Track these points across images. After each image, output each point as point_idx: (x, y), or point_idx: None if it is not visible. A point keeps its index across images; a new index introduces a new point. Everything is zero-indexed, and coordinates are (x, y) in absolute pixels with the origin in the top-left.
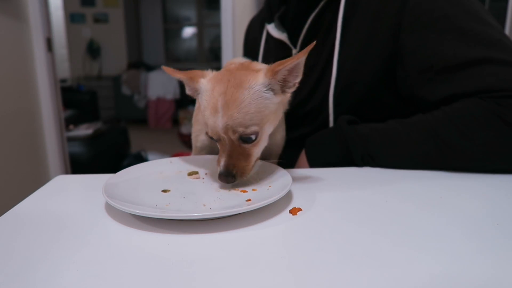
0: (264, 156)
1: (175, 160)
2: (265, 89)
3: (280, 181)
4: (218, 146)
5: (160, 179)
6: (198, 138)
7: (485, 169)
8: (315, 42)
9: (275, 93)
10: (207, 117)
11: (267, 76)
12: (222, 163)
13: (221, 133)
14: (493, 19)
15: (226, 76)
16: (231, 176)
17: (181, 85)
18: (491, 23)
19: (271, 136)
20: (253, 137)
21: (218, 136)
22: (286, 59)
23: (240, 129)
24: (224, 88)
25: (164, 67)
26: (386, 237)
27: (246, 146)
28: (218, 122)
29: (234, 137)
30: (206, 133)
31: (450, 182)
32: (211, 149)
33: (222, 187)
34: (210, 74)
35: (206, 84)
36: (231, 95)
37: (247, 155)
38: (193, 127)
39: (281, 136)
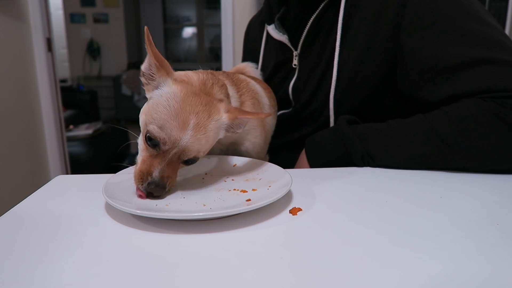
0: None
1: None
2: (223, 127)
3: (280, 181)
4: (150, 151)
5: None
6: None
7: (485, 169)
8: (271, 114)
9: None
10: (171, 127)
11: (229, 118)
12: (157, 173)
13: (177, 148)
14: (493, 19)
15: (197, 95)
16: (163, 188)
17: None
18: (491, 23)
19: (236, 143)
20: (194, 160)
21: (168, 146)
22: (247, 112)
23: (193, 153)
24: (197, 109)
25: (147, 29)
26: (386, 237)
27: (181, 164)
28: (183, 139)
29: (183, 156)
30: (147, 135)
31: (450, 182)
32: None
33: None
34: (175, 75)
35: (174, 88)
36: (203, 120)
37: (175, 170)
38: None
39: (251, 144)
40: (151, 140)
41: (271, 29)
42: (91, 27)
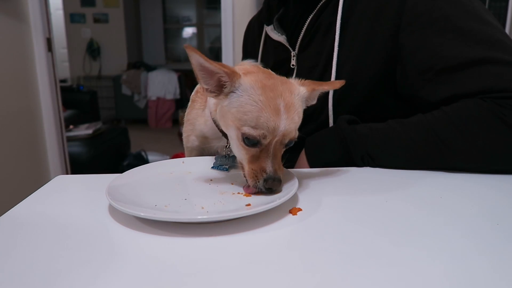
0: None
1: (174, 161)
2: (304, 99)
3: (285, 186)
4: (252, 151)
5: (161, 180)
6: (189, 138)
7: (485, 170)
8: (344, 81)
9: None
10: (266, 120)
11: (307, 90)
12: (270, 168)
13: (278, 135)
14: (493, 18)
15: (270, 79)
16: (280, 181)
17: (181, 85)
18: (491, 22)
19: None
20: (293, 140)
21: (269, 139)
22: (322, 83)
23: (293, 133)
24: (280, 91)
25: (192, 49)
26: (386, 237)
27: (282, 149)
28: (280, 124)
29: (284, 140)
30: (245, 137)
31: (450, 182)
32: (201, 150)
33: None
34: (241, 71)
35: (249, 83)
36: (288, 99)
37: (280, 159)
38: (184, 126)
39: None
40: (249, 140)
41: (270, 30)
42: (91, 27)
